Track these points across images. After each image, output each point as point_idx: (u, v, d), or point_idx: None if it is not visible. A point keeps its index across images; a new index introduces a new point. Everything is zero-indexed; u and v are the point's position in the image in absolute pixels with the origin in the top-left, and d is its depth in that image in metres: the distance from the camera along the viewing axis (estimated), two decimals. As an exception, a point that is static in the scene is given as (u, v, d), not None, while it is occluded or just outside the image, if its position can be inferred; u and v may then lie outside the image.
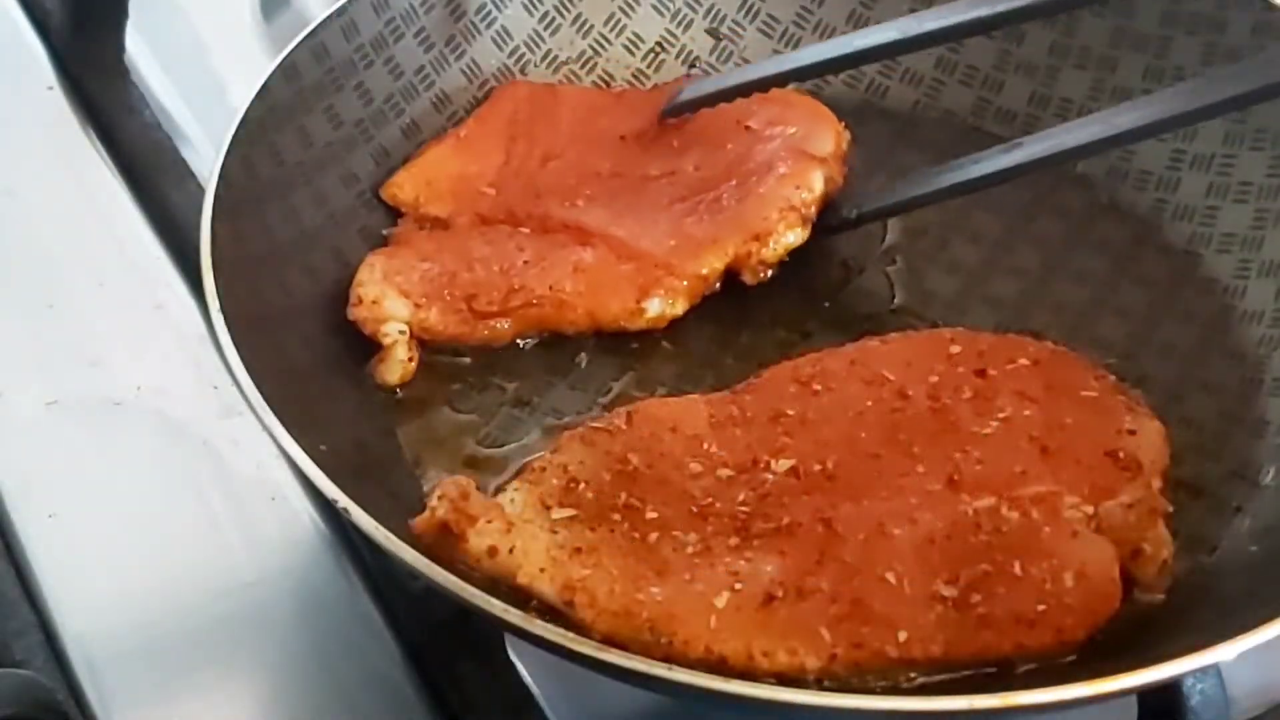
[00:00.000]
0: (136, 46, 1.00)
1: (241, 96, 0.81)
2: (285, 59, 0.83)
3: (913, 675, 0.64)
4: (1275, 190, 0.84)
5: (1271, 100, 0.77)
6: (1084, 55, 0.91)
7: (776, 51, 0.95)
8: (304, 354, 0.75)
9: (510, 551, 0.66)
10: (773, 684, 0.62)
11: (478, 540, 0.66)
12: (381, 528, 0.63)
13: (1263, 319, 0.80)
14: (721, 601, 0.64)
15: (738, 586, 0.65)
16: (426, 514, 0.67)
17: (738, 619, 0.64)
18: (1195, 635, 0.61)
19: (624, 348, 0.80)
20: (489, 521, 0.67)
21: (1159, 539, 0.68)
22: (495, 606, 0.60)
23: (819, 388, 0.74)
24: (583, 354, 0.80)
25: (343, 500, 0.64)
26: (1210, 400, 0.77)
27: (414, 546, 0.63)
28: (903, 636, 0.64)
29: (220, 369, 0.75)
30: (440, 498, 0.67)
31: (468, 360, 0.79)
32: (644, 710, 0.69)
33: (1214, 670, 0.65)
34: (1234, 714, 0.67)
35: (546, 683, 0.69)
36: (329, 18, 0.86)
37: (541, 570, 0.65)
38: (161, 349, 0.84)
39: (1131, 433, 0.72)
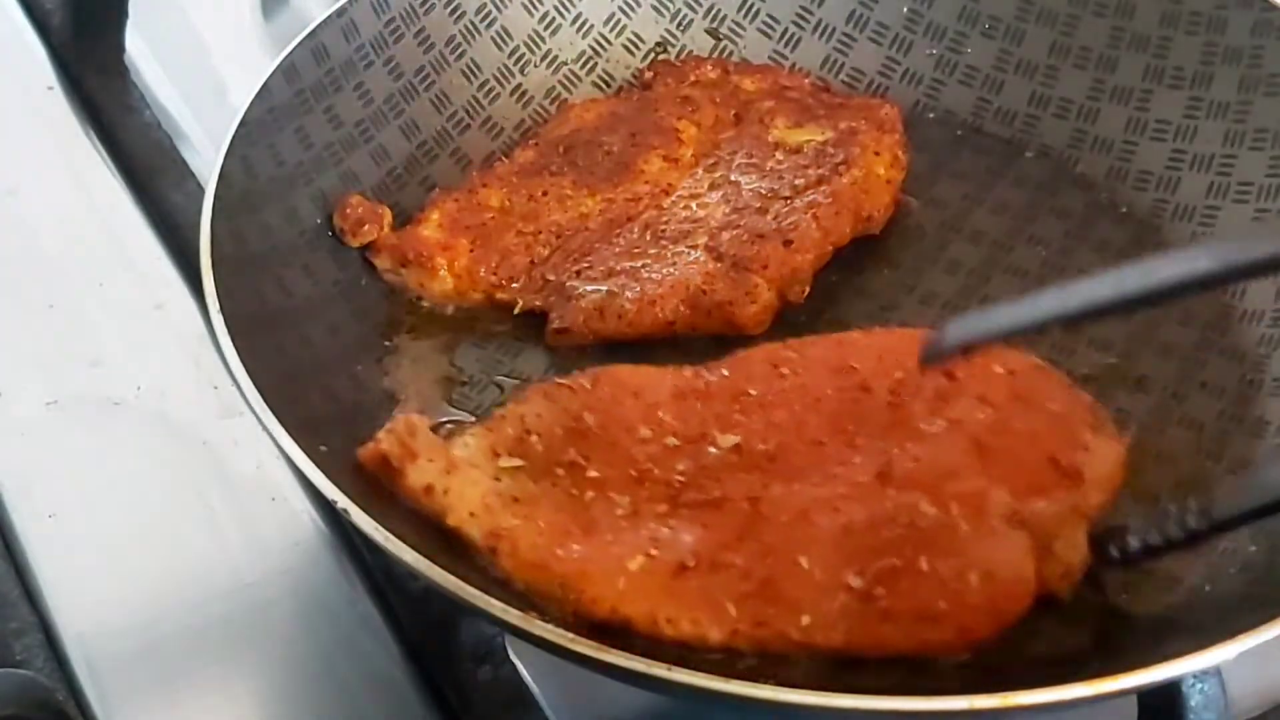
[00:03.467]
0: (136, 46, 1.00)
1: (241, 96, 0.81)
2: (285, 59, 0.83)
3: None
4: (1275, 190, 0.84)
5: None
6: (1084, 55, 0.91)
7: (777, 52, 0.95)
8: (304, 354, 0.75)
9: (445, 492, 0.67)
10: (757, 684, 0.62)
11: (416, 476, 0.68)
12: (381, 528, 0.63)
13: (1263, 319, 0.80)
14: (634, 565, 0.65)
15: (654, 552, 0.66)
16: (371, 445, 0.69)
17: (647, 583, 0.65)
18: (1195, 635, 0.61)
19: (624, 350, 0.80)
20: (430, 460, 0.68)
21: (1073, 543, 0.67)
22: (495, 607, 0.60)
23: (787, 372, 0.74)
24: (583, 356, 0.80)
25: (342, 500, 0.64)
26: (1210, 400, 0.77)
27: (414, 547, 0.63)
28: (805, 621, 0.64)
29: (220, 369, 0.75)
30: (388, 431, 0.69)
31: (467, 360, 0.79)
32: (644, 710, 0.69)
33: (1214, 670, 0.65)
34: (1234, 714, 0.67)
35: (546, 683, 0.69)
36: (329, 18, 0.86)
37: (471, 515, 0.67)
38: (161, 349, 0.84)
39: (1085, 449, 0.70)
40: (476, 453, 0.69)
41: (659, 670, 0.59)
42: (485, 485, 0.68)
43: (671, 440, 0.71)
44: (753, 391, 0.73)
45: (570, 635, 0.60)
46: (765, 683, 0.62)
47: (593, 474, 0.69)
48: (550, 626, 0.60)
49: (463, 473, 0.68)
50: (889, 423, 0.71)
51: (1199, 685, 0.64)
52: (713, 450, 0.70)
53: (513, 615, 0.60)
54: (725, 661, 0.65)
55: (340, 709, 0.69)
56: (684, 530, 0.67)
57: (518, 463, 0.69)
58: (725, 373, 0.74)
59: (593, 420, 0.71)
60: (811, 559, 0.66)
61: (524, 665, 0.69)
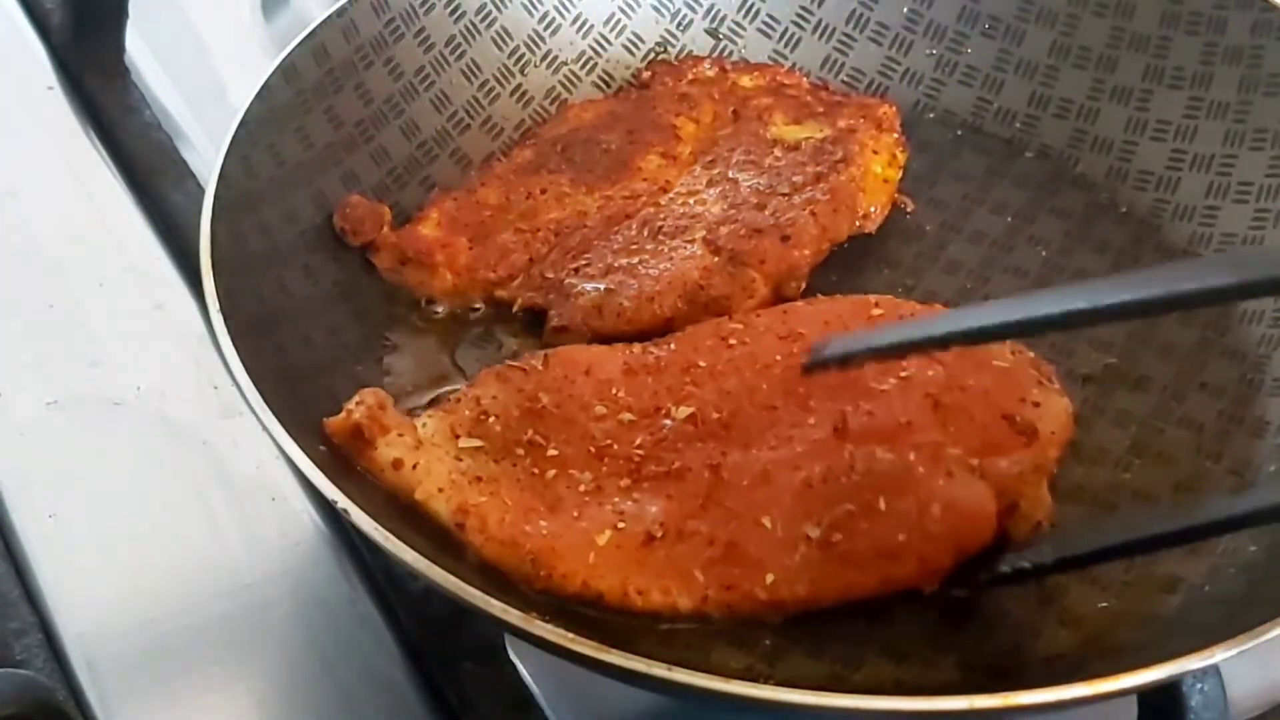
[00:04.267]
0: (136, 46, 1.00)
1: (241, 96, 0.81)
2: (285, 59, 0.83)
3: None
4: (1275, 190, 0.84)
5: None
6: (1084, 55, 0.91)
7: (777, 52, 0.95)
8: (304, 354, 0.75)
9: (414, 468, 0.68)
10: (772, 684, 0.62)
11: (386, 450, 0.69)
12: (381, 528, 0.63)
13: (1263, 319, 0.80)
14: (603, 539, 0.66)
15: (620, 525, 0.67)
16: (342, 415, 0.70)
17: (616, 556, 0.66)
18: (1195, 635, 0.61)
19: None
20: (400, 435, 0.69)
21: (1038, 499, 0.69)
22: (495, 607, 0.60)
23: (734, 342, 0.75)
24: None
25: (342, 500, 0.64)
26: (1210, 400, 0.77)
27: (414, 547, 0.63)
28: (770, 579, 0.65)
29: (220, 369, 0.75)
30: (358, 403, 0.70)
31: (467, 359, 0.79)
32: (644, 710, 0.69)
33: (1214, 670, 0.65)
34: (1234, 714, 0.67)
35: (546, 683, 0.69)
36: (329, 18, 0.86)
37: (440, 490, 0.68)
38: (161, 349, 0.84)
39: (1035, 404, 0.72)
40: (436, 433, 0.71)
41: (659, 670, 0.59)
42: (448, 464, 0.69)
43: (627, 415, 0.72)
44: (702, 364, 0.74)
45: (570, 635, 0.60)
46: (765, 683, 0.62)
47: (552, 452, 0.70)
48: (550, 626, 0.60)
49: (429, 450, 0.69)
50: (840, 383, 0.72)
51: (1199, 685, 0.65)
52: (668, 422, 0.71)
53: (513, 615, 0.60)
54: (726, 660, 0.65)
55: (340, 709, 0.69)
56: (648, 502, 0.68)
57: (477, 443, 0.70)
58: (673, 347, 0.75)
59: (548, 400, 0.72)
60: (773, 518, 0.67)
61: (524, 665, 0.69)
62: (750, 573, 0.66)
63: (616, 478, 0.69)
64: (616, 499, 0.68)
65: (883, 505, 0.66)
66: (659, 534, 0.66)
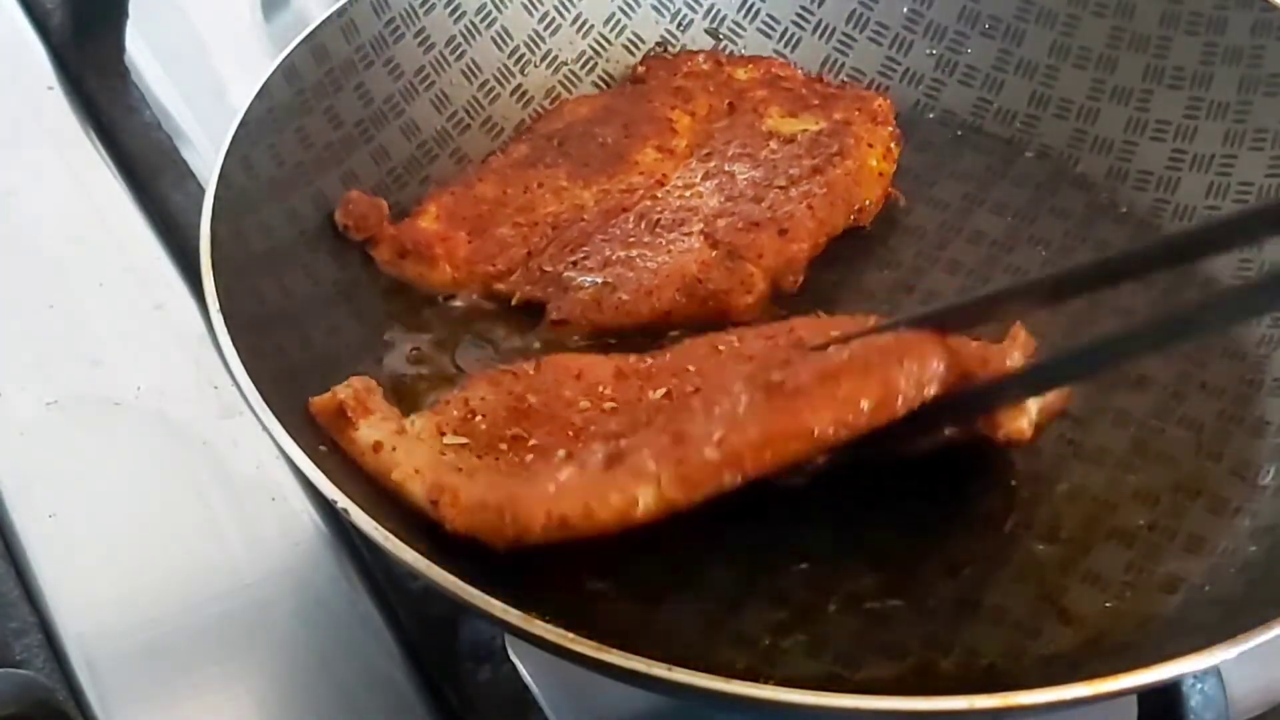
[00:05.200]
0: (136, 46, 1.01)
1: (241, 96, 0.81)
2: (285, 59, 0.83)
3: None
4: (1275, 190, 0.84)
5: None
6: (1084, 55, 0.91)
7: (777, 52, 0.95)
8: (304, 354, 0.75)
9: (394, 450, 0.68)
10: (775, 685, 0.62)
11: (367, 432, 0.69)
12: (381, 528, 0.63)
13: (1263, 319, 0.80)
14: (563, 475, 0.66)
15: (582, 466, 0.67)
16: (328, 394, 0.70)
17: (577, 481, 0.66)
18: (1195, 635, 0.61)
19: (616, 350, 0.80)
20: (383, 419, 0.70)
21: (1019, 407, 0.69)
22: (495, 607, 0.60)
23: (723, 348, 0.75)
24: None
25: (342, 500, 0.64)
26: (1210, 400, 0.77)
27: (414, 547, 0.63)
28: (718, 435, 0.64)
29: (220, 369, 0.75)
30: (346, 385, 0.70)
31: (467, 358, 0.79)
32: (644, 710, 0.69)
33: (1214, 670, 0.65)
34: (1234, 714, 0.67)
35: (546, 683, 0.69)
36: (329, 18, 0.86)
37: (416, 471, 0.68)
38: (161, 349, 0.84)
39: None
40: (423, 431, 0.71)
41: (659, 670, 0.59)
42: (431, 456, 0.69)
43: (609, 405, 0.72)
44: (691, 368, 0.74)
45: (570, 635, 0.60)
46: (765, 683, 0.62)
47: (533, 443, 0.70)
48: (550, 626, 0.60)
49: (411, 440, 0.69)
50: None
51: (1199, 685, 0.64)
52: (642, 402, 0.72)
53: (513, 615, 0.60)
54: (726, 660, 0.65)
55: (340, 709, 0.69)
56: (611, 446, 0.68)
57: (463, 440, 0.70)
58: (668, 356, 0.75)
59: (536, 400, 0.72)
60: (719, 399, 0.67)
61: (524, 665, 0.69)
62: (696, 441, 0.65)
63: (590, 444, 0.69)
64: (585, 456, 0.68)
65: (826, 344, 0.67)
66: (616, 452, 0.66)
